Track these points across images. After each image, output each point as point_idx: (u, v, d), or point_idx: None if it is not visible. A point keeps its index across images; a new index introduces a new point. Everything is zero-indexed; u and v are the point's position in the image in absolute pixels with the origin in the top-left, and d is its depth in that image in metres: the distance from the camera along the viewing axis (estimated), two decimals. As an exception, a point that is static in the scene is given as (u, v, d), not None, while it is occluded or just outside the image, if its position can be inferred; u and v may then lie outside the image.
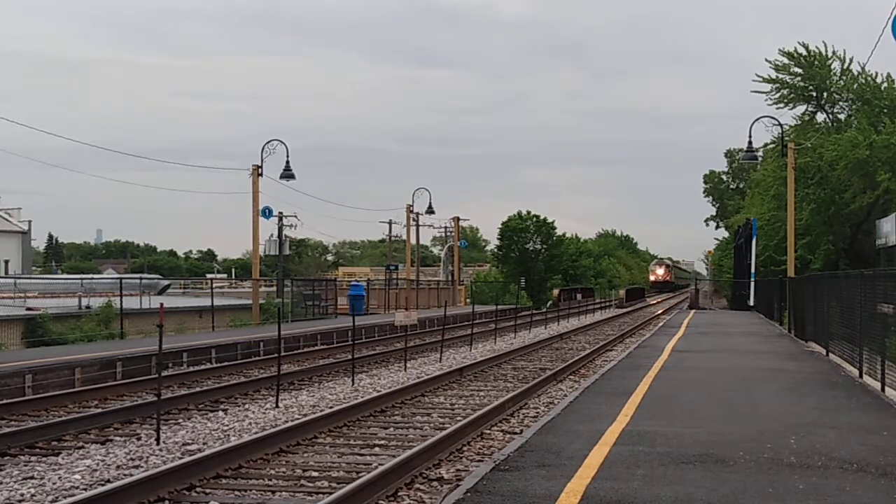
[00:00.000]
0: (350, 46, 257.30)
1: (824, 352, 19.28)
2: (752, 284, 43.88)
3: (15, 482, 8.66)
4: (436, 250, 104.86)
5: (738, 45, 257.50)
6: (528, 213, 74.82)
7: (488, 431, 11.52)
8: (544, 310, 48.98)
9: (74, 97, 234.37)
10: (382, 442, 10.89)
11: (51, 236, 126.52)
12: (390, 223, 67.54)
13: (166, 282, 60.48)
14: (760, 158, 43.93)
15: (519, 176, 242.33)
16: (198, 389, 15.77)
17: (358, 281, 51.57)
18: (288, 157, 35.23)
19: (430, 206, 55.52)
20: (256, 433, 10.89)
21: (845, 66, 40.60)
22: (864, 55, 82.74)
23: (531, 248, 73.95)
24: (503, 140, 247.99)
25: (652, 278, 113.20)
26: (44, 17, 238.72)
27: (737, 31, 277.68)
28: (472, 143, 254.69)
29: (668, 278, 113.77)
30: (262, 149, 34.76)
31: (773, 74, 41.53)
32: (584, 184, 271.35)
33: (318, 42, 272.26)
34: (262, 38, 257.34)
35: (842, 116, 42.30)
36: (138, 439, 10.96)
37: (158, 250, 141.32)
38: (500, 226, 74.76)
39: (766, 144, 43.37)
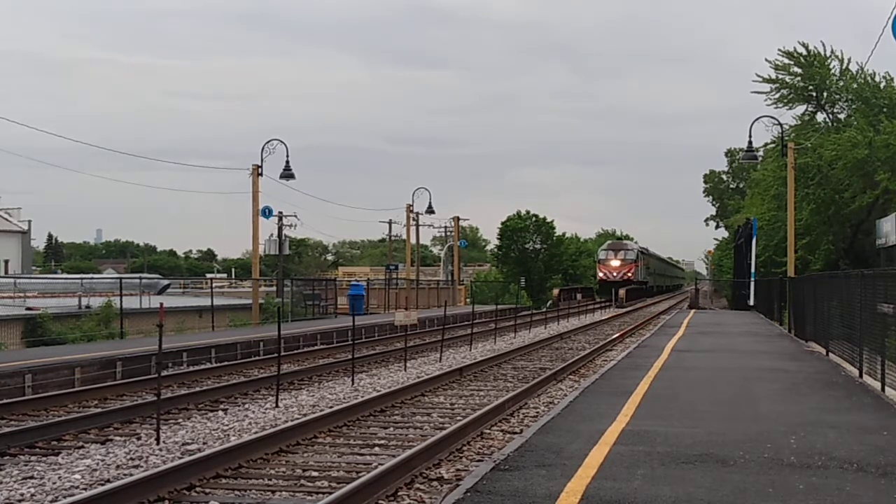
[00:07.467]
0: (343, 47, 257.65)
1: (824, 352, 19.27)
2: (752, 284, 43.87)
3: (15, 482, 8.66)
4: (436, 250, 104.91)
5: (736, 45, 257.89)
6: (528, 212, 74.97)
7: (488, 431, 11.51)
8: (544, 309, 48.94)
9: (67, 97, 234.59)
10: (382, 442, 10.88)
11: (51, 236, 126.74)
12: (390, 223, 67.63)
13: (166, 282, 60.59)
14: (760, 158, 43.92)
15: (517, 176, 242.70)
16: (198, 389, 15.76)
17: (358, 281, 51.60)
18: (288, 156, 35.22)
19: (430, 206, 55.58)
20: (256, 433, 10.88)
21: (844, 65, 40.65)
22: (858, 54, 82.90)
23: (531, 248, 74.04)
24: (500, 140, 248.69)
25: (601, 275, 66.45)
26: (33, 18, 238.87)
27: (734, 31, 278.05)
28: (469, 143, 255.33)
29: (630, 275, 65.32)
30: (262, 148, 34.69)
31: (773, 74, 41.57)
32: (583, 183, 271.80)
33: (313, 43, 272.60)
34: (261, 39, 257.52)
35: (842, 116, 42.30)
36: (138, 439, 10.95)
37: (158, 250, 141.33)
38: (499, 226, 75.01)
39: (766, 144, 43.44)
